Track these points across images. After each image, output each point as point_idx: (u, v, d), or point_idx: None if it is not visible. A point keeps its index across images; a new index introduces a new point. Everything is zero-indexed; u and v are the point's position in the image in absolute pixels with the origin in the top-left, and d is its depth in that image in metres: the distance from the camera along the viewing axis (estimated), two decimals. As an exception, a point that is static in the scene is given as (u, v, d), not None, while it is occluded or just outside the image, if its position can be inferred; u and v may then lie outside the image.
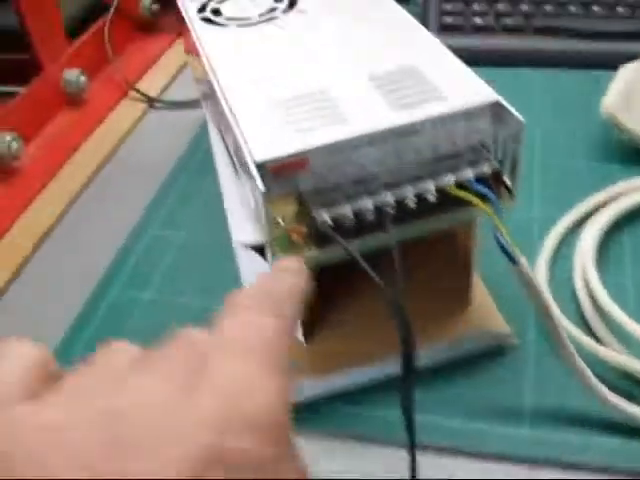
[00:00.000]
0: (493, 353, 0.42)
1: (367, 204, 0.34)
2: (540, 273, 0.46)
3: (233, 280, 0.47)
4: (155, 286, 0.50)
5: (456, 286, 0.43)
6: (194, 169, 0.61)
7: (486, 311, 0.43)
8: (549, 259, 0.47)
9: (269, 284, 0.28)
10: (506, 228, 0.35)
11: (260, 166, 0.33)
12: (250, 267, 0.40)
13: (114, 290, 0.50)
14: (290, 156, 0.33)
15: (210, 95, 0.44)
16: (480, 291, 0.44)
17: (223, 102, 0.38)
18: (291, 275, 0.30)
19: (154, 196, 0.58)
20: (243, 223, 0.40)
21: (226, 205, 0.43)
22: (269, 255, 0.35)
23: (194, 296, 0.49)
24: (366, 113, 0.35)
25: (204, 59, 0.43)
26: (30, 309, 0.51)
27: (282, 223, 0.34)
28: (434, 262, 0.43)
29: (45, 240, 0.56)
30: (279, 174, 0.33)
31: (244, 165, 0.35)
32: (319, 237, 0.34)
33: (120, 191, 0.61)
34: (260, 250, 0.38)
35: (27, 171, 0.61)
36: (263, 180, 0.32)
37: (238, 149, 0.35)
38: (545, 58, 0.69)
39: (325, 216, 0.33)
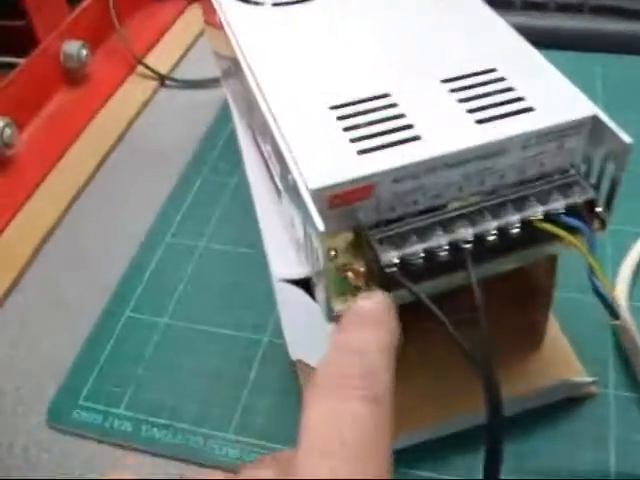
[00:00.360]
0: (570, 401, 0.37)
1: (441, 240, 0.28)
2: (620, 301, 0.40)
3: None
4: (169, 312, 0.44)
5: (527, 327, 0.37)
6: (214, 162, 0.55)
7: (562, 355, 0.37)
8: (628, 282, 0.41)
9: (349, 346, 0.24)
10: (602, 268, 0.29)
11: (315, 195, 0.26)
12: (293, 307, 0.34)
13: (125, 312, 0.44)
14: (352, 182, 0.27)
15: (234, 73, 0.38)
16: (553, 329, 0.38)
17: (262, 103, 0.31)
18: (375, 326, 0.25)
19: (169, 194, 0.52)
20: (283, 250, 0.34)
21: (261, 223, 0.37)
22: (321, 296, 0.29)
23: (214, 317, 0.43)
24: (443, 127, 0.29)
25: (234, 43, 0.36)
26: (30, 323, 0.45)
27: (334, 258, 0.28)
28: (500, 299, 0.37)
29: (44, 244, 0.50)
30: (337, 205, 0.27)
31: (290, 189, 0.29)
32: (383, 279, 0.28)
33: (129, 185, 0.54)
34: (304, 286, 0.32)
35: (22, 161, 0.55)
36: (318, 212, 0.26)
37: (283, 166, 0.29)
38: (605, 40, 0.63)
39: (392, 256, 0.27)
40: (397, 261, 0.27)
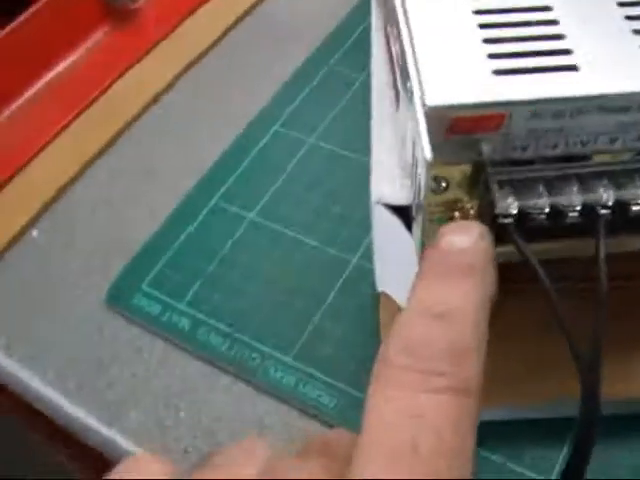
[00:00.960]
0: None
1: (573, 199, 0.23)
2: None
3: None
4: (258, 208, 0.41)
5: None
6: (344, 54, 0.49)
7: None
8: None
9: (431, 311, 0.19)
10: None
11: (432, 115, 0.22)
12: (387, 234, 0.30)
13: (213, 198, 0.41)
14: (482, 107, 0.22)
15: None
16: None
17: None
18: (467, 278, 0.20)
19: (288, 79, 0.48)
20: (388, 168, 0.29)
21: (373, 133, 0.32)
22: (417, 233, 0.25)
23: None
24: (609, 61, 0.23)
25: None
26: (115, 188, 0.43)
27: (443, 190, 0.23)
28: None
29: (149, 107, 0.47)
30: (458, 132, 0.22)
31: (407, 101, 0.24)
32: (493, 230, 0.23)
33: (249, 61, 0.50)
34: (404, 214, 0.27)
35: (144, 17, 0.51)
36: (432, 136, 0.21)
37: (404, 71, 0.25)
38: None
39: (510, 204, 0.22)
40: (515, 212, 0.23)
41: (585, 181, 0.23)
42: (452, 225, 0.22)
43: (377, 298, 0.34)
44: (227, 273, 0.38)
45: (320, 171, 0.42)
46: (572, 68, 0.23)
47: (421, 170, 0.22)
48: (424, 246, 0.24)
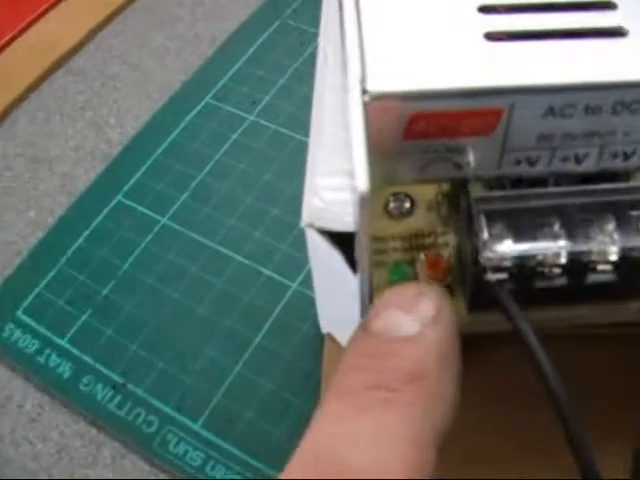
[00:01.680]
0: None
1: (609, 244, 0.15)
2: None
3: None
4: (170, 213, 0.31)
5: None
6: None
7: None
8: None
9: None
10: None
11: (378, 108, 0.13)
12: (326, 273, 0.22)
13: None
14: (464, 96, 0.14)
15: None
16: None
17: None
18: (411, 390, 0.14)
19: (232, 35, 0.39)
20: (332, 181, 0.20)
21: (313, 127, 0.23)
22: (362, 272, 0.17)
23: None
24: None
25: None
26: None
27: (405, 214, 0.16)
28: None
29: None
30: (422, 135, 0.14)
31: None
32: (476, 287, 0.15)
33: (176, 20, 0.40)
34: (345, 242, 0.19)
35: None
36: (380, 142, 0.14)
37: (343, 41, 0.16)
38: None
39: (506, 250, 0.14)
40: (511, 263, 0.15)
41: (625, 216, 0.15)
42: (400, 292, 0.15)
43: (321, 341, 0.26)
44: (125, 299, 0.29)
45: (261, 159, 0.33)
46: (617, 33, 0.14)
47: (354, 199, 0.14)
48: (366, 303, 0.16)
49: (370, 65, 0.13)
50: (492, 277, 0.15)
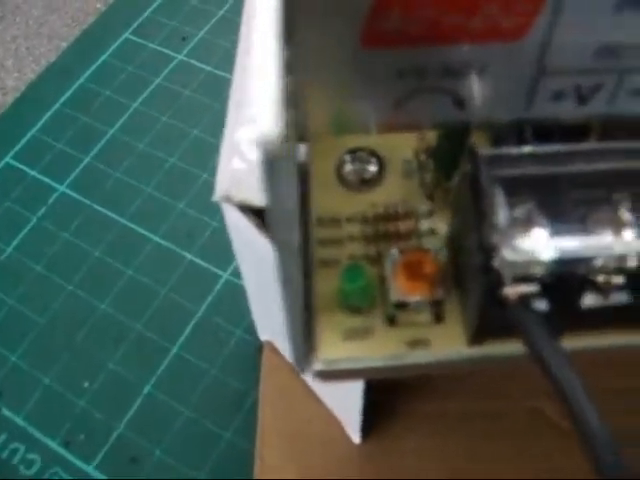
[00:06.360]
0: None
1: None
2: None
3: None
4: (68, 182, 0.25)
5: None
6: None
7: None
8: None
9: None
10: None
11: None
12: (250, 260, 0.16)
13: None
14: None
15: None
16: None
17: None
18: None
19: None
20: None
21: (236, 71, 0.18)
22: (287, 282, 0.11)
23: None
24: None
25: None
26: None
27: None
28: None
29: None
30: (389, 40, 0.08)
31: None
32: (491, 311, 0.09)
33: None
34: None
35: None
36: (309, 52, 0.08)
37: None
38: None
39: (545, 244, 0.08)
40: (543, 270, 0.10)
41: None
42: None
43: (257, 351, 0.21)
44: (5, 292, 0.24)
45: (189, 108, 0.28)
46: None
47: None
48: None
49: None
50: (512, 292, 0.09)
